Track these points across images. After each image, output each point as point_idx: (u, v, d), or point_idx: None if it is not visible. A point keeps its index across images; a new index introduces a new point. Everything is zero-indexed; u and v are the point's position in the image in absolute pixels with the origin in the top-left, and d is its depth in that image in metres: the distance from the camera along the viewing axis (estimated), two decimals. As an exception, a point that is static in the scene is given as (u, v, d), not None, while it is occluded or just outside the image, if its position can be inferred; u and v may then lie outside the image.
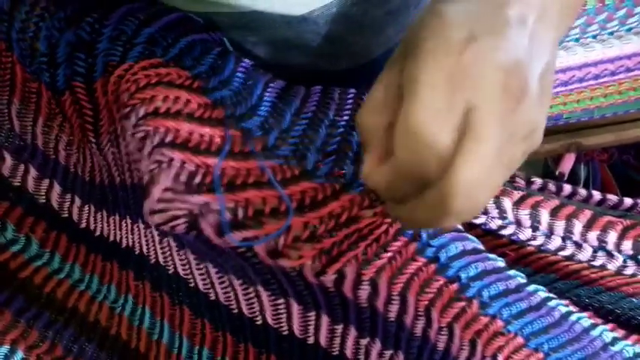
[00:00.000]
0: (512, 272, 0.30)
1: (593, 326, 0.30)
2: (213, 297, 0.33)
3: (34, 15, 0.34)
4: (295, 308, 0.30)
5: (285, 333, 0.32)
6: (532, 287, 0.30)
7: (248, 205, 0.26)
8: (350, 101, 0.32)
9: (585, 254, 0.32)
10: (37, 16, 0.34)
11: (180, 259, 0.34)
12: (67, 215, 0.39)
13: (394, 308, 0.28)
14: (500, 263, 0.30)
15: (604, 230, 0.31)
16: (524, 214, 0.32)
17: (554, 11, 0.23)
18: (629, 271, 0.33)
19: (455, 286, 0.28)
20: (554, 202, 0.32)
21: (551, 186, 0.35)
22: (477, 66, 0.20)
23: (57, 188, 0.39)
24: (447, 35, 0.21)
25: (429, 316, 0.28)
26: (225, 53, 0.32)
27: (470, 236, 0.30)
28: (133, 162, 0.33)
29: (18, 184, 0.39)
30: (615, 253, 0.32)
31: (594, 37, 0.81)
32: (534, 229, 0.32)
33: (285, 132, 0.29)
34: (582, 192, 0.34)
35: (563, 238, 0.32)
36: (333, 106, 0.31)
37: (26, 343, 0.37)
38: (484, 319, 0.29)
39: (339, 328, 0.30)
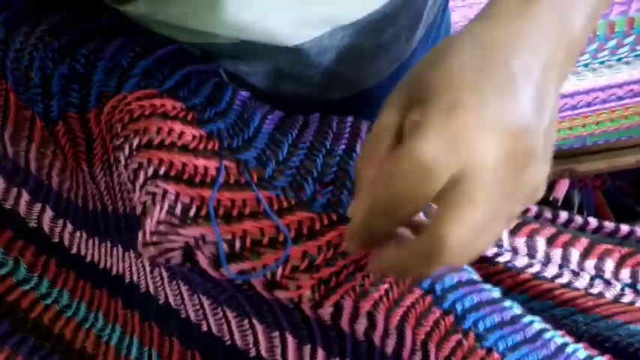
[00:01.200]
0: (507, 303, 0.30)
1: (589, 358, 0.29)
2: (205, 329, 0.33)
3: (28, 45, 0.34)
4: (290, 341, 0.30)
5: (279, 366, 0.31)
6: (527, 319, 0.30)
7: (245, 236, 0.26)
8: (348, 130, 0.32)
9: (582, 282, 0.32)
10: (31, 46, 0.34)
11: (172, 290, 0.33)
12: (57, 240, 0.39)
13: (391, 342, 0.28)
14: (496, 294, 0.30)
15: (601, 258, 0.31)
16: (521, 242, 0.32)
17: (560, 57, 0.22)
18: (626, 299, 0.32)
19: (451, 318, 0.28)
20: (551, 231, 0.32)
21: (547, 213, 0.35)
22: (478, 130, 0.20)
23: (49, 213, 0.39)
24: (451, 93, 0.20)
25: (426, 350, 0.28)
26: (222, 85, 0.32)
27: (465, 266, 0.29)
28: (126, 192, 0.32)
29: (9, 207, 0.39)
30: (613, 281, 0.32)
31: (585, 65, 0.82)
32: (531, 256, 0.32)
33: (282, 163, 0.29)
34: (578, 219, 0.34)
35: (560, 266, 0.32)
36: (331, 135, 0.31)
37: None
38: (480, 352, 0.29)
39: (335, 362, 0.30)
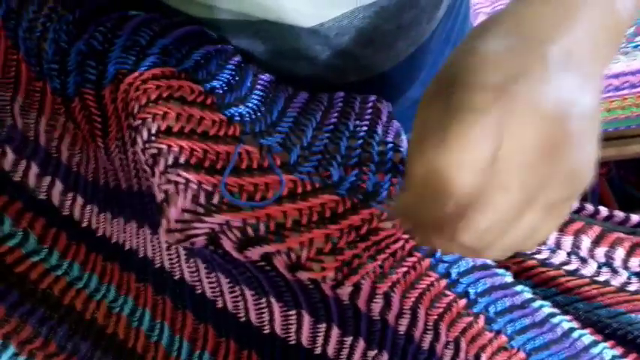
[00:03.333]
0: (519, 288, 0.30)
1: (595, 343, 0.30)
2: (220, 305, 0.34)
3: (41, 15, 0.34)
4: (307, 320, 0.30)
5: (293, 343, 0.32)
6: (537, 303, 0.30)
7: (269, 220, 0.26)
8: (369, 110, 0.32)
9: (590, 270, 0.33)
10: (44, 16, 0.34)
11: (189, 267, 0.34)
12: (68, 213, 0.39)
13: (404, 322, 0.28)
14: (509, 278, 0.30)
15: (612, 246, 0.32)
16: None
17: (603, 39, 0.21)
18: (632, 287, 0.33)
19: (463, 301, 0.29)
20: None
21: None
22: (513, 113, 0.19)
23: (59, 186, 0.38)
24: (484, 78, 0.20)
25: (437, 330, 0.29)
26: (242, 67, 0.32)
27: None
28: (142, 170, 0.32)
29: (18, 179, 0.39)
30: (620, 270, 0.33)
31: None
32: (542, 243, 0.33)
33: (307, 148, 0.29)
34: (589, 207, 0.34)
35: (569, 253, 0.33)
36: (353, 116, 0.31)
37: (19, 338, 0.36)
38: (489, 335, 0.30)
39: (349, 340, 0.31)
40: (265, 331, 0.32)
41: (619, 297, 0.32)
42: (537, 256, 0.33)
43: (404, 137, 0.31)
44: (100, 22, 0.32)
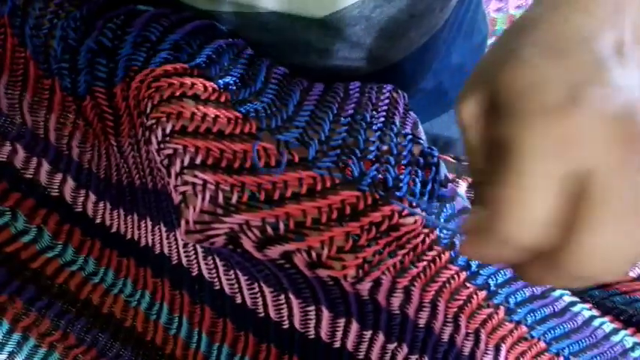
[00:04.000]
0: None
1: (615, 331, 0.30)
2: (239, 301, 0.34)
3: (47, 12, 0.33)
4: (326, 315, 0.31)
5: (312, 337, 0.32)
6: (558, 292, 0.30)
7: (289, 218, 0.26)
8: (386, 101, 0.31)
9: None
10: (51, 13, 0.33)
11: (207, 264, 0.34)
12: (81, 210, 0.39)
13: (424, 315, 0.28)
14: None
15: None
16: None
17: None
18: (650, 277, 0.33)
19: (483, 293, 0.29)
20: None
21: None
22: (585, 127, 0.17)
23: (70, 183, 0.38)
24: (547, 95, 0.18)
25: (457, 323, 0.29)
26: (255, 61, 0.31)
27: None
28: (156, 169, 0.32)
29: (30, 176, 0.38)
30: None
31: None
32: None
33: (325, 142, 0.29)
34: None
35: None
36: (370, 106, 0.30)
37: (38, 330, 0.37)
38: (509, 325, 0.30)
39: (368, 334, 0.31)
40: (284, 326, 0.32)
41: (635, 285, 0.32)
42: None
43: (421, 128, 0.31)
44: (109, 18, 0.32)
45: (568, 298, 0.31)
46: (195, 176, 0.26)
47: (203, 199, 0.25)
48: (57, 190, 0.38)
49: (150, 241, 0.37)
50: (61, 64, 0.32)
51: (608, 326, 0.31)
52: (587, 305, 0.31)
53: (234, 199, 0.26)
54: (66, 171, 0.38)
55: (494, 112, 0.19)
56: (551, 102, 0.18)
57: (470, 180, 0.33)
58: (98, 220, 0.39)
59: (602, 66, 0.18)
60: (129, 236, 0.38)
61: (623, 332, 0.31)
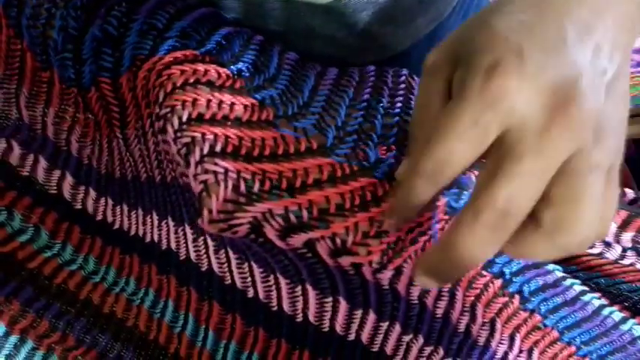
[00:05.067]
0: (550, 267, 0.30)
1: (624, 320, 0.31)
2: (251, 294, 0.33)
3: (45, 0, 0.32)
4: (343, 306, 0.30)
5: (326, 330, 0.32)
6: (568, 282, 0.31)
7: (312, 206, 0.25)
8: (402, 85, 0.31)
9: (614, 253, 0.33)
10: (48, 2, 0.32)
11: (218, 258, 0.33)
12: (80, 207, 0.38)
13: (442, 304, 0.28)
14: None
15: (639, 231, 0.32)
16: None
17: (630, 12, 0.21)
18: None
19: (499, 281, 0.29)
20: None
21: None
22: (517, 90, 0.19)
23: (69, 179, 0.37)
24: (493, 54, 0.20)
25: (474, 312, 0.29)
26: (266, 47, 0.31)
27: None
28: (166, 161, 0.31)
29: (27, 173, 0.37)
30: None
31: None
32: None
33: (342, 128, 0.28)
34: None
35: None
36: (387, 91, 0.30)
37: (36, 332, 0.36)
38: (524, 314, 0.30)
39: (385, 325, 0.30)
40: (298, 319, 0.32)
41: None
42: None
43: None
44: (110, 6, 0.31)
45: (578, 287, 0.31)
46: (216, 164, 0.25)
47: (226, 187, 0.25)
48: (55, 188, 0.37)
49: (156, 236, 0.36)
50: (64, 54, 0.31)
51: (617, 315, 0.31)
52: (597, 294, 0.32)
53: (256, 188, 0.25)
54: (64, 167, 0.37)
55: (454, 65, 0.21)
56: (497, 61, 0.20)
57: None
58: (99, 217, 0.38)
59: (559, 39, 0.20)
60: (133, 232, 0.37)
61: (631, 321, 0.31)
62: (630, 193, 0.34)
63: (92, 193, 0.38)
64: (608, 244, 0.33)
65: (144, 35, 0.29)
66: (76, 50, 0.31)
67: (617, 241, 0.32)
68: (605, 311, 0.31)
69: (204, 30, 0.30)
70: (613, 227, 0.32)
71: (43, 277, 0.38)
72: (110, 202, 0.37)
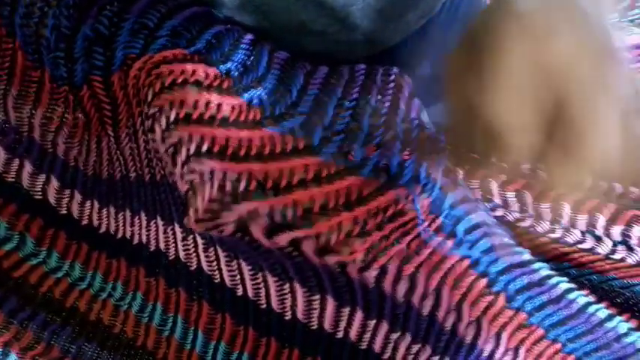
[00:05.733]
0: (536, 265, 0.31)
1: (610, 317, 0.31)
2: (240, 292, 0.33)
3: (38, 0, 0.32)
4: (330, 304, 0.30)
5: (314, 328, 0.32)
6: (554, 280, 0.31)
7: (297, 205, 0.26)
8: (391, 84, 0.31)
9: (605, 248, 0.33)
10: (42, 1, 0.32)
11: (207, 256, 0.33)
12: (66, 212, 0.38)
13: (429, 303, 0.29)
14: (526, 256, 0.31)
15: (628, 225, 0.32)
16: (545, 207, 0.33)
17: None
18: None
19: (484, 280, 0.29)
20: (577, 196, 0.32)
21: None
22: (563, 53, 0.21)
23: (54, 183, 0.37)
24: (522, 30, 0.22)
25: (460, 311, 0.29)
26: (256, 46, 0.31)
27: (498, 230, 0.30)
28: (156, 160, 0.31)
29: (12, 179, 0.37)
30: (636, 248, 0.33)
31: (631, 21, 0.79)
32: (555, 222, 0.33)
33: (329, 128, 0.29)
34: (603, 184, 0.33)
35: (583, 232, 0.33)
36: (375, 90, 0.31)
37: (20, 344, 0.36)
38: (509, 312, 0.30)
39: (372, 323, 0.31)
40: (287, 317, 0.32)
41: (634, 271, 0.33)
42: (551, 235, 0.34)
43: (425, 114, 0.31)
44: (102, 5, 0.31)
45: (564, 285, 0.31)
46: (202, 164, 0.25)
47: (211, 187, 0.25)
48: (40, 193, 0.37)
49: (144, 237, 0.36)
50: (57, 53, 0.31)
51: (604, 312, 0.31)
52: (584, 292, 0.32)
53: (241, 187, 0.25)
54: (50, 171, 0.37)
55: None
56: (525, 38, 0.22)
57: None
58: (85, 222, 0.38)
59: (581, 11, 0.22)
60: (120, 235, 0.37)
61: (617, 318, 0.32)
62: (619, 188, 0.34)
63: (77, 197, 0.37)
64: (598, 239, 0.33)
65: (135, 34, 0.30)
66: (68, 49, 0.31)
67: (607, 235, 0.33)
68: (592, 309, 0.32)
69: (195, 29, 0.30)
70: (602, 221, 0.33)
71: (28, 285, 0.37)
72: (96, 204, 0.37)
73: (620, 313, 0.32)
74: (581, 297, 0.32)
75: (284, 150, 0.27)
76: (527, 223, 0.34)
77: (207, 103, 0.27)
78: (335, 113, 0.29)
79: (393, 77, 0.32)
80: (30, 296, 0.37)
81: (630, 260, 0.33)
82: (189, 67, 0.28)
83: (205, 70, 0.28)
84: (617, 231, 0.33)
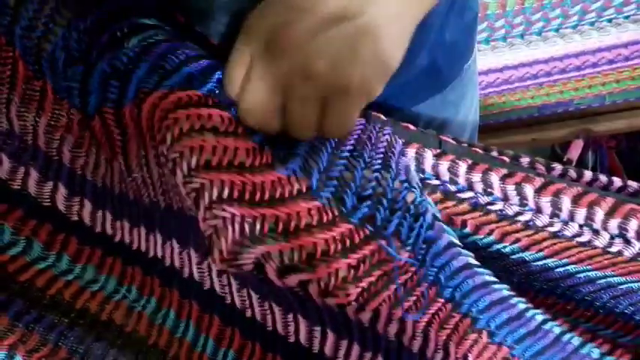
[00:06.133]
0: (514, 300, 0.33)
1: (583, 344, 0.34)
2: (249, 315, 0.35)
3: (42, 15, 0.32)
4: (330, 335, 0.33)
5: (316, 351, 0.34)
6: (531, 312, 0.33)
7: (302, 250, 0.28)
8: (384, 142, 0.33)
9: (602, 241, 0.34)
10: (46, 17, 0.32)
11: (220, 281, 0.35)
12: (77, 219, 0.38)
13: (417, 343, 0.31)
14: (505, 292, 0.33)
15: (626, 218, 0.32)
16: (546, 201, 0.33)
17: None
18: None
19: (468, 320, 0.31)
20: (577, 190, 0.33)
21: (572, 172, 0.35)
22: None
23: (62, 191, 0.37)
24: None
25: (447, 349, 0.31)
26: None
27: (480, 269, 0.32)
28: (173, 192, 0.32)
29: (18, 186, 0.37)
30: (633, 241, 0.34)
31: (609, 20, 0.76)
32: (554, 215, 0.33)
33: (324, 172, 0.30)
34: (603, 178, 0.34)
35: (581, 226, 0.33)
36: (369, 146, 0.32)
37: (25, 347, 0.36)
38: (493, 347, 0.32)
39: (368, 355, 0.33)
40: (290, 340, 0.34)
41: (630, 267, 0.34)
42: (550, 229, 0.34)
43: (414, 173, 0.33)
44: (113, 32, 0.31)
45: (540, 317, 0.33)
46: (224, 210, 0.27)
47: (233, 231, 0.27)
48: (48, 200, 0.37)
49: (159, 253, 0.37)
50: (71, 84, 0.31)
51: (577, 340, 0.34)
52: (557, 322, 0.35)
53: (257, 231, 0.27)
54: (56, 179, 0.37)
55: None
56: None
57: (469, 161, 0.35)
58: (98, 230, 0.38)
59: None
60: (135, 247, 0.38)
61: (590, 345, 0.34)
62: (617, 182, 0.35)
63: (88, 205, 0.38)
64: (595, 232, 0.34)
65: (151, 72, 0.30)
66: (83, 81, 0.31)
67: (605, 228, 0.33)
68: (565, 337, 0.34)
69: (209, 74, 0.31)
70: (600, 214, 0.33)
71: (35, 288, 0.38)
72: (109, 216, 0.38)
73: (591, 340, 0.34)
74: (556, 327, 0.34)
75: (291, 193, 0.29)
76: (526, 217, 0.34)
77: (225, 149, 0.28)
78: (329, 160, 0.31)
79: (386, 136, 0.33)
80: (36, 299, 0.37)
81: (627, 253, 0.34)
82: (204, 111, 0.29)
83: (220, 115, 0.29)
84: (614, 224, 0.33)
